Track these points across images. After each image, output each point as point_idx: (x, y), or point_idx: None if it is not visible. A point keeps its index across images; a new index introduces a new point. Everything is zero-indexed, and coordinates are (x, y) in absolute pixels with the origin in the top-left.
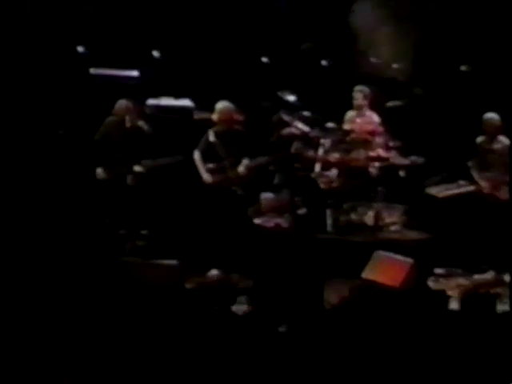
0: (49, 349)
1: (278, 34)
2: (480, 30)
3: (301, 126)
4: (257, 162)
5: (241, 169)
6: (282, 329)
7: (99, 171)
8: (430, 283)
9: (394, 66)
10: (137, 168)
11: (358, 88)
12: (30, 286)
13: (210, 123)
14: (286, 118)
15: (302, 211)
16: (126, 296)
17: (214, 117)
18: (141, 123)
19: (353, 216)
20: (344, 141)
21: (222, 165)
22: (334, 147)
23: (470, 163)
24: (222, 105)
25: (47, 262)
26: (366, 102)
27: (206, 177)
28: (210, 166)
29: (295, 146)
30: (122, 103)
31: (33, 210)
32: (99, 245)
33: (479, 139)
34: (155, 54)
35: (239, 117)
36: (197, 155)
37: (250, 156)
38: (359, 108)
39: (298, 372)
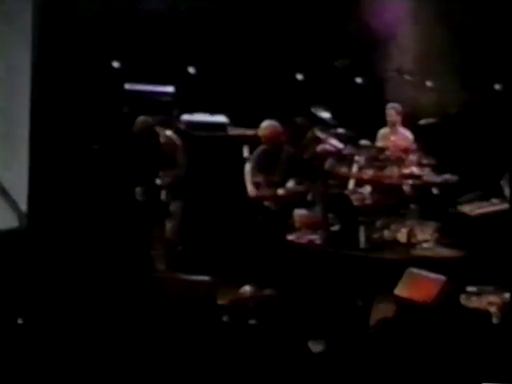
0: (78, 363)
1: (312, 50)
2: None
3: (335, 142)
4: (299, 189)
5: (280, 191)
6: (313, 345)
7: (138, 190)
8: (462, 301)
9: (428, 83)
10: (157, 181)
11: (390, 105)
12: (61, 301)
13: (244, 139)
14: (320, 134)
15: (335, 228)
16: (157, 312)
17: (260, 134)
18: (168, 133)
19: (386, 233)
20: (378, 158)
21: (263, 181)
22: (368, 164)
23: (502, 181)
24: (267, 123)
25: (80, 277)
26: (399, 119)
27: (251, 190)
28: (256, 179)
29: (329, 162)
30: (139, 120)
31: (65, 223)
32: (132, 260)
33: None
34: (190, 70)
35: (284, 136)
36: (247, 168)
37: (296, 175)
38: (393, 125)
39: None
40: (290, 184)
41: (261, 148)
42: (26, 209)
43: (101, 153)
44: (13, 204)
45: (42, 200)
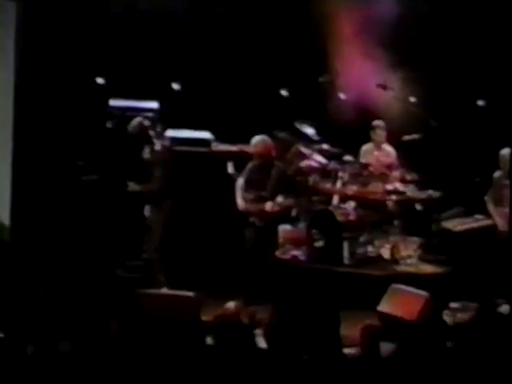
0: (59, 379)
1: (296, 66)
2: (497, 65)
3: (319, 158)
4: (286, 203)
5: (268, 205)
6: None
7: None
8: (445, 317)
9: (411, 99)
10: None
11: (376, 122)
12: (42, 314)
13: (228, 155)
14: (304, 150)
15: (319, 243)
16: (140, 328)
17: (251, 150)
18: (158, 144)
19: (369, 249)
20: (361, 174)
21: (253, 196)
22: (352, 180)
23: (486, 197)
24: (258, 138)
25: (62, 291)
26: (384, 136)
27: (240, 202)
28: (246, 194)
29: (313, 178)
30: (136, 120)
31: (48, 236)
32: (113, 275)
33: (496, 174)
34: (175, 86)
35: (275, 152)
36: (240, 182)
37: (285, 192)
38: (378, 142)
39: None
40: (279, 199)
41: (252, 163)
42: (9, 222)
43: (85, 168)
44: None
45: (25, 213)
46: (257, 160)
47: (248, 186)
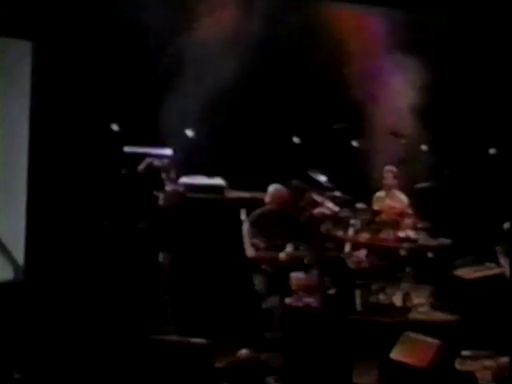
0: None
1: (309, 114)
2: (509, 113)
3: (331, 205)
4: (298, 254)
5: (282, 255)
6: None
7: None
8: (457, 365)
9: (423, 147)
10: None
11: (387, 168)
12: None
13: (241, 202)
14: (316, 197)
15: (331, 291)
16: (154, 375)
17: (266, 199)
18: (169, 187)
19: (381, 296)
20: (373, 221)
21: (265, 245)
22: (364, 227)
23: (497, 248)
24: (274, 187)
25: (76, 332)
26: (395, 182)
27: (250, 251)
28: (255, 241)
29: (325, 225)
30: (147, 161)
31: (62, 276)
32: (128, 323)
33: (506, 225)
34: (188, 132)
35: (290, 200)
36: (245, 228)
37: (295, 240)
38: (389, 188)
39: None
40: (289, 248)
41: (262, 210)
42: (23, 261)
43: (99, 214)
44: (9, 256)
45: (40, 253)
46: (269, 207)
47: (258, 233)
